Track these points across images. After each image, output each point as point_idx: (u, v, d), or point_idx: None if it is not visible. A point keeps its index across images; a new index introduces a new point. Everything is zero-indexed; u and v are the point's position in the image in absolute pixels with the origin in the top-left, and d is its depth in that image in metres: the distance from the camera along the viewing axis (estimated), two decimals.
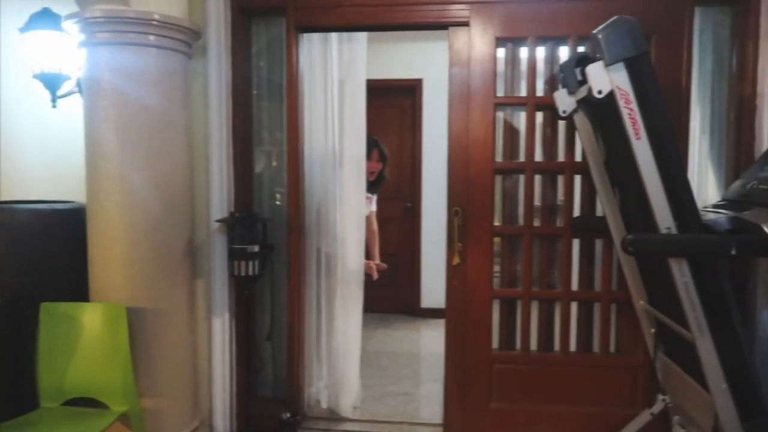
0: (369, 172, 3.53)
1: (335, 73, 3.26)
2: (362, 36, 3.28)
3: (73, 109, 2.84)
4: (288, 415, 3.02)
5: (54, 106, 2.82)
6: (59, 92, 2.81)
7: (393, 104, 5.66)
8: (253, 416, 2.99)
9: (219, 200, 2.96)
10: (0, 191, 3.09)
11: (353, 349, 3.33)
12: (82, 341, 2.41)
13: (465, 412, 3.00)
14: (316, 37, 3.19)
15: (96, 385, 2.38)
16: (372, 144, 3.60)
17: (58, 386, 2.39)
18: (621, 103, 1.97)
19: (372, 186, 3.70)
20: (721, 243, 1.91)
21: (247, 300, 2.98)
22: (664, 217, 1.98)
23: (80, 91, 2.72)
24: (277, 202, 3.23)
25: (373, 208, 3.86)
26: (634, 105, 1.96)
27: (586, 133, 2.67)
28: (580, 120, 2.66)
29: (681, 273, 1.98)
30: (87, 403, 2.44)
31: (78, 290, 2.68)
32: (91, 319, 2.43)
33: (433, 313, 5.24)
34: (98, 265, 2.58)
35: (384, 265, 3.88)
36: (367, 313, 3.55)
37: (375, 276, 3.76)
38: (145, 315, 2.52)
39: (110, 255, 2.54)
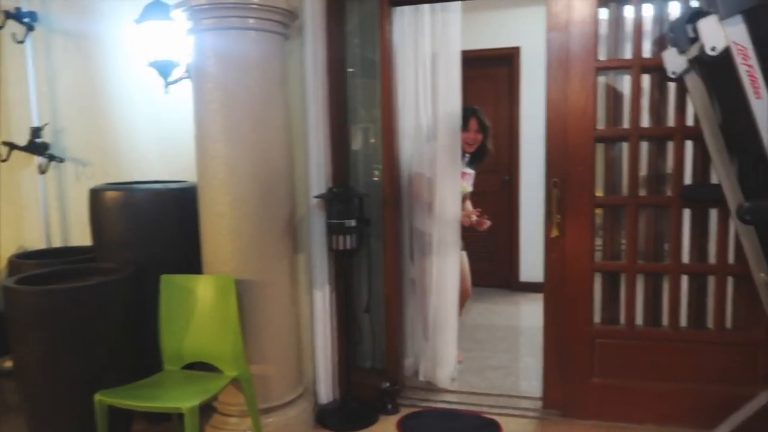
0: (467, 144, 3.32)
1: (428, 46, 3.25)
2: (456, 5, 3.21)
3: (182, 95, 3.02)
4: (387, 384, 3.11)
5: (166, 92, 3.01)
6: (170, 78, 3.00)
7: (488, 75, 5.53)
8: (354, 385, 3.10)
9: (317, 177, 3.06)
10: (120, 173, 3.37)
11: (451, 323, 3.34)
12: (197, 310, 2.60)
13: (565, 386, 2.94)
14: (407, 10, 3.18)
15: (210, 351, 2.56)
16: (470, 114, 3.33)
17: (178, 351, 2.60)
18: (738, 59, 1.82)
19: (473, 160, 3.48)
20: None
21: (345, 273, 3.07)
22: None
23: (189, 77, 2.89)
24: (375, 179, 3.29)
25: (469, 187, 3.58)
26: (753, 61, 1.80)
27: (698, 95, 2.48)
28: (692, 81, 2.48)
29: None
30: (203, 367, 2.64)
31: (191, 263, 2.88)
32: (203, 289, 2.61)
33: (531, 287, 5.12)
34: (208, 240, 2.76)
35: (485, 222, 3.49)
36: None
37: (484, 225, 3.46)
38: (251, 286, 2.67)
39: (218, 230, 2.70)
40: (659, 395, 2.81)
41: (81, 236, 3.43)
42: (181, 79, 3.01)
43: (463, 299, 3.49)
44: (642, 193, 2.79)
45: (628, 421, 2.85)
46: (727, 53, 1.85)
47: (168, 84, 3.02)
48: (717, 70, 2.31)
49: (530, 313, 4.72)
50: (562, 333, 2.92)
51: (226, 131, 2.64)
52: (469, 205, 3.63)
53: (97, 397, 2.23)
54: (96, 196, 2.95)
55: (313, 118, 3.02)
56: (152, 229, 2.87)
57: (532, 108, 5.19)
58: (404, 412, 3.08)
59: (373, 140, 3.31)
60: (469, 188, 3.55)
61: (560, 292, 2.90)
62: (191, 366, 2.62)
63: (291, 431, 2.81)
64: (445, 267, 3.33)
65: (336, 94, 3.10)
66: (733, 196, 2.48)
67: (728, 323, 2.77)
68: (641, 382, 2.84)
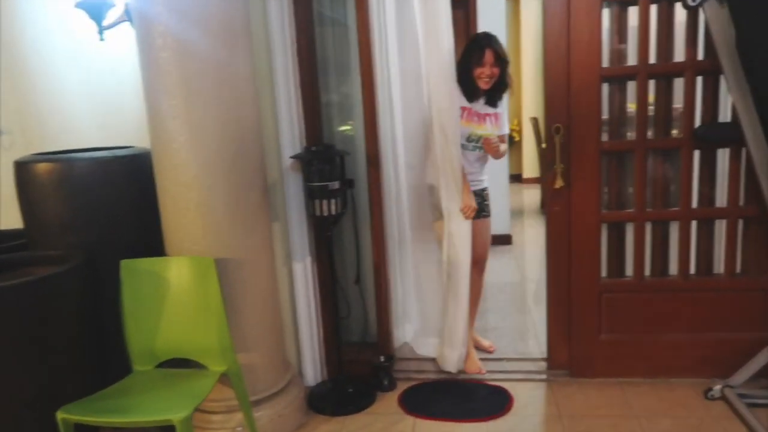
0: (481, 80, 2.69)
1: None
2: None
3: (122, 42, 2.52)
4: (382, 359, 2.85)
5: (102, 39, 2.50)
6: (105, 22, 2.48)
7: None
8: (345, 362, 2.81)
9: (289, 135, 2.67)
10: (45, 141, 2.84)
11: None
12: (170, 299, 2.20)
13: (571, 345, 2.79)
14: None
15: (190, 346, 2.19)
16: (483, 43, 2.68)
17: (150, 348, 2.21)
18: None
19: (491, 97, 2.79)
20: None
21: (329, 242, 2.74)
22: None
23: (129, 19, 2.39)
24: (350, 133, 2.94)
25: (505, 129, 2.91)
26: None
27: (719, 25, 2.28)
28: (712, 9, 2.27)
29: None
30: (179, 363, 2.26)
31: (150, 244, 2.46)
32: (177, 274, 2.21)
33: (497, 240, 4.96)
34: (171, 215, 2.34)
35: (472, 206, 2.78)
36: None
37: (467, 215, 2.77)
38: (227, 266, 2.29)
39: (184, 203, 2.28)
40: (670, 347, 2.71)
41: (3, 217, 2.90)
42: (118, 22, 2.50)
43: (479, 275, 3.02)
44: (649, 135, 2.60)
45: (639, 376, 2.74)
46: None
47: (102, 29, 2.50)
48: None
49: (502, 267, 4.56)
50: (567, 290, 2.74)
51: (184, 84, 2.20)
52: (500, 146, 2.84)
53: (61, 415, 1.83)
54: (23, 169, 2.44)
55: (281, 69, 2.61)
56: (99, 206, 2.42)
57: None
58: (402, 387, 2.83)
59: (347, 92, 2.96)
60: (499, 131, 2.85)
61: (564, 247, 2.71)
62: (166, 364, 2.24)
63: (285, 422, 2.52)
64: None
65: (306, 40, 2.69)
66: (753, 135, 2.33)
67: (738, 268, 2.66)
68: (651, 336, 2.72)
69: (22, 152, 2.60)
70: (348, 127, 3.03)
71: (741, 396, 2.47)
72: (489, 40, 2.69)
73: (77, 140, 2.80)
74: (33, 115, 2.88)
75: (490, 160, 2.92)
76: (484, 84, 2.70)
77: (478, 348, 3.09)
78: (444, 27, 2.65)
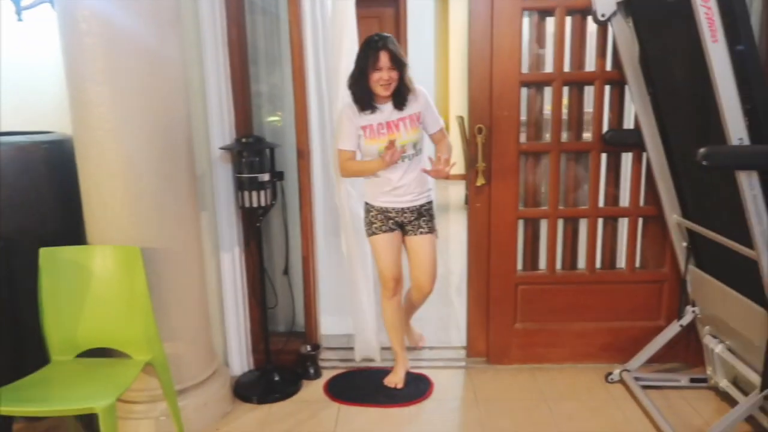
0: (381, 87, 2.42)
1: None
2: None
3: (41, 24, 2.44)
4: (309, 348, 2.91)
5: (20, 20, 2.40)
6: (24, 2, 2.39)
7: (372, 15, 5.27)
8: (272, 352, 2.85)
9: (219, 126, 2.67)
10: None
11: (367, 277, 3.12)
12: (92, 288, 2.17)
13: (489, 334, 2.95)
14: None
15: (114, 335, 2.17)
16: (377, 45, 2.40)
17: (70, 338, 2.17)
18: (698, 1, 1.78)
19: (398, 102, 2.50)
20: None
21: (258, 233, 2.77)
22: (736, 127, 1.85)
23: (50, 0, 2.32)
24: (278, 124, 2.97)
25: (439, 123, 2.63)
26: (712, 3, 1.78)
27: (624, 40, 2.49)
28: (619, 25, 2.47)
29: (750, 186, 1.88)
30: (100, 353, 2.24)
31: (70, 233, 2.41)
32: (101, 263, 2.18)
33: None
34: (95, 204, 2.30)
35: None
36: None
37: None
38: (153, 256, 2.28)
39: (110, 192, 2.25)
40: (577, 335, 2.92)
41: None
42: (39, 2, 2.42)
43: (418, 296, 2.78)
44: (564, 138, 2.79)
45: (549, 362, 2.95)
46: None
47: (21, 9, 2.41)
48: (652, 14, 2.31)
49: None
50: (486, 282, 2.90)
51: (111, 72, 2.17)
52: (442, 142, 2.67)
53: None
54: None
55: (211, 57, 2.60)
56: (17, 193, 2.33)
57: (419, 50, 5.05)
58: (328, 375, 2.91)
59: (276, 83, 2.98)
60: (433, 128, 2.61)
61: (484, 242, 2.86)
62: (86, 354, 2.21)
63: (210, 410, 2.53)
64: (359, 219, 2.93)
65: (237, 29, 2.70)
66: (653, 142, 2.56)
67: (638, 263, 2.91)
68: (560, 324, 2.92)
69: None
70: (277, 118, 3.05)
71: (636, 379, 2.71)
72: (384, 41, 2.42)
73: None
74: None
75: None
76: (382, 90, 2.43)
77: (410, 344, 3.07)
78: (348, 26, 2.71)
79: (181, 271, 2.42)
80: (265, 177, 2.63)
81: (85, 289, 2.17)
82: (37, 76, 2.73)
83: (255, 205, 2.63)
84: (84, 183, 2.30)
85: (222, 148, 2.64)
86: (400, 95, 2.49)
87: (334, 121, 2.96)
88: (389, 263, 2.65)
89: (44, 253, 2.16)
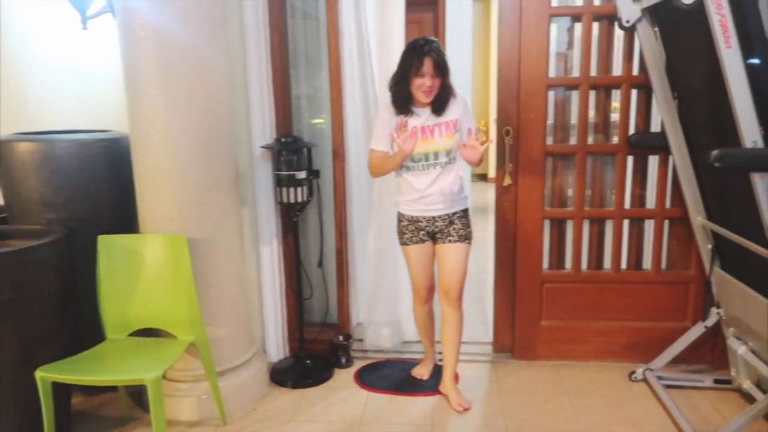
0: (422, 94, 2.37)
1: None
2: None
3: (103, 32, 2.68)
4: (341, 338, 3.06)
5: (85, 28, 2.64)
6: (89, 12, 2.63)
7: (412, 20, 5.39)
8: (307, 340, 3.02)
9: (261, 126, 2.87)
10: (28, 122, 2.97)
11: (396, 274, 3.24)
12: (144, 273, 2.38)
13: (515, 330, 3.04)
14: None
15: (161, 316, 2.38)
16: (422, 50, 2.33)
17: (123, 318, 2.38)
18: (712, 9, 1.85)
19: (437, 107, 2.43)
20: None
21: (295, 227, 2.94)
22: (750, 131, 1.91)
23: (112, 11, 2.55)
24: (323, 126, 3.13)
25: (471, 125, 2.48)
26: (726, 11, 1.85)
27: (649, 45, 2.55)
28: (644, 30, 2.54)
29: (764, 188, 1.93)
30: (149, 333, 2.45)
31: (125, 222, 2.63)
32: (151, 250, 2.39)
33: None
34: (147, 197, 2.51)
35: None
36: None
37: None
38: (198, 245, 2.47)
39: (159, 186, 2.46)
40: (601, 333, 2.98)
41: None
42: (102, 12, 2.65)
43: (444, 299, 2.63)
44: (590, 141, 2.87)
45: (573, 359, 3.02)
46: (700, 3, 1.89)
47: (86, 19, 2.66)
48: (675, 20, 2.37)
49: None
50: (512, 279, 2.99)
51: (163, 75, 2.38)
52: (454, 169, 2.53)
53: (39, 373, 2.00)
54: (5, 148, 2.57)
55: (254, 62, 2.80)
56: (78, 185, 2.56)
57: (457, 55, 5.14)
58: (359, 364, 3.06)
59: (318, 85, 3.15)
60: (449, 143, 2.46)
61: (511, 240, 2.96)
62: (136, 333, 2.42)
63: (248, 392, 2.71)
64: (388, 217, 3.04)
65: (278, 35, 2.88)
66: (677, 143, 2.62)
67: (663, 264, 2.95)
68: (585, 323, 2.99)
69: (4, 132, 2.74)
70: (321, 120, 3.21)
71: (659, 378, 2.75)
72: (429, 46, 2.34)
73: (57, 122, 2.94)
74: (16, 97, 3.01)
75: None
76: (423, 96, 2.37)
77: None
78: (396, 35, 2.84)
79: (223, 260, 2.61)
80: (302, 175, 2.80)
81: (137, 274, 2.38)
82: (98, 81, 2.98)
83: (292, 200, 2.80)
84: (137, 177, 2.52)
85: (263, 147, 2.82)
86: (440, 101, 2.43)
87: (369, 121, 3.12)
88: (421, 274, 2.65)
89: (102, 240, 2.38)
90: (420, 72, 2.34)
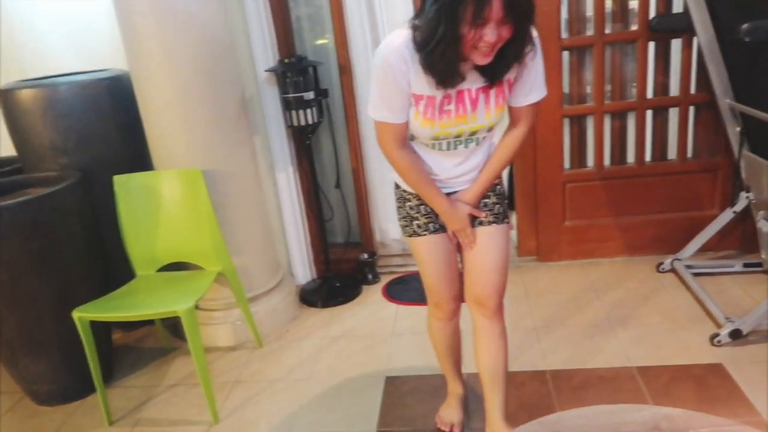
0: (480, 52, 1.32)
1: None
2: None
3: None
4: (365, 256, 3.09)
5: None
6: None
7: None
8: (332, 261, 3.06)
9: (263, 50, 2.76)
10: (26, 69, 2.91)
11: None
12: (164, 209, 2.39)
13: (538, 233, 3.03)
14: None
15: (188, 249, 2.40)
16: None
17: (150, 254, 2.42)
18: None
19: (492, 69, 1.41)
20: None
21: (308, 150, 2.90)
22: None
23: None
24: (328, 45, 3.01)
25: (527, 98, 1.57)
26: None
27: None
28: None
29: None
30: (178, 267, 2.49)
31: (138, 161, 2.61)
32: (168, 186, 2.38)
33: None
34: (156, 134, 2.48)
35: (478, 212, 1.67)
36: None
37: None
38: (213, 177, 2.46)
39: (167, 121, 2.42)
40: (627, 229, 2.95)
41: None
42: None
43: (477, 317, 1.77)
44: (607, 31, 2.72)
45: (599, 256, 3.01)
46: None
47: None
48: None
49: None
50: (533, 182, 2.94)
51: (154, 5, 2.27)
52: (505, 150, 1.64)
53: (76, 314, 2.06)
54: (8, 97, 2.53)
55: None
56: (86, 127, 2.53)
57: None
58: (386, 279, 3.10)
59: (319, 4, 3.00)
60: (497, 117, 1.52)
61: (530, 142, 2.88)
62: (164, 268, 2.46)
63: (279, 315, 2.78)
64: None
65: None
66: (701, 22, 2.46)
67: (689, 153, 2.87)
68: (610, 219, 2.95)
69: (4, 80, 2.69)
70: (325, 40, 3.08)
71: (688, 267, 2.74)
72: None
73: (53, 68, 2.88)
74: (8, 44, 2.93)
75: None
76: (480, 57, 1.34)
77: None
78: None
79: (241, 190, 2.60)
80: (310, 95, 2.72)
81: (157, 210, 2.39)
82: (91, 20, 2.88)
83: (303, 123, 2.74)
84: (144, 113, 2.48)
85: (267, 71, 2.74)
86: (504, 63, 1.40)
87: (378, 34, 2.93)
88: (440, 278, 1.75)
89: (118, 180, 2.38)
90: (482, 16, 1.26)
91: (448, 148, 1.57)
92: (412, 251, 1.77)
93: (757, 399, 1.95)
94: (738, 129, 2.55)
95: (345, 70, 2.88)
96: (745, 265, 2.72)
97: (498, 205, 1.69)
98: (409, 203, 1.70)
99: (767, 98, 2.21)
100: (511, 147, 1.61)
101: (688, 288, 2.64)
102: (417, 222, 1.69)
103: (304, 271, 3.11)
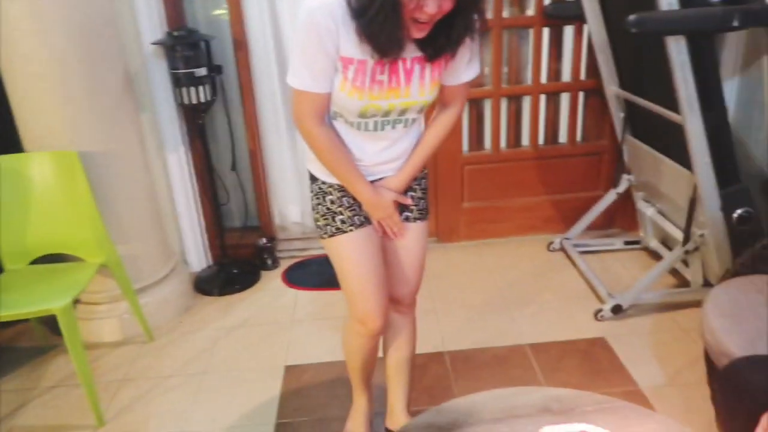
0: (416, 26, 1.23)
1: None
2: None
3: None
4: (264, 240, 2.99)
5: None
6: None
7: None
8: (229, 248, 2.93)
9: (148, 20, 2.55)
10: None
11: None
12: (35, 195, 2.16)
13: (438, 215, 3.07)
14: None
15: (63, 239, 2.19)
16: None
17: (20, 246, 2.18)
18: None
19: (433, 50, 1.32)
20: (723, 15, 1.83)
21: (202, 130, 2.74)
22: None
23: None
24: (225, 18, 2.81)
25: (462, 77, 1.47)
26: None
27: None
28: None
29: (678, 51, 1.92)
30: (55, 259, 2.27)
31: (3, 141, 2.34)
32: (39, 170, 2.15)
33: None
34: (26, 110, 2.23)
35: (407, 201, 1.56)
36: None
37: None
38: (94, 159, 2.26)
39: (38, 95, 2.18)
40: (521, 210, 3.06)
41: None
42: None
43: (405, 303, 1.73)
44: (504, 14, 2.76)
45: (495, 237, 3.10)
46: None
47: None
48: None
49: None
50: (434, 164, 2.96)
51: None
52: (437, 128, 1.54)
53: None
54: None
55: None
56: None
57: None
58: (285, 264, 3.02)
59: None
60: (431, 95, 1.41)
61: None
62: (39, 261, 2.24)
63: (171, 305, 2.63)
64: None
65: None
66: (592, 11, 2.55)
67: (579, 137, 3.00)
68: (506, 201, 3.05)
69: None
70: (223, 11, 2.89)
71: (575, 246, 2.89)
72: None
73: None
74: None
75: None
76: (417, 31, 1.24)
77: None
78: None
79: (126, 172, 2.41)
80: (202, 71, 2.55)
81: (27, 197, 2.16)
82: None
83: (194, 101, 2.57)
84: (10, 87, 2.21)
85: (153, 43, 2.54)
86: (443, 41, 1.30)
87: (276, 8, 2.77)
88: (368, 282, 1.53)
89: None
90: None
91: (375, 129, 1.42)
92: (332, 256, 1.55)
93: (635, 369, 2.10)
94: (622, 115, 2.70)
95: (241, 45, 2.73)
96: (626, 243, 2.91)
97: (423, 200, 1.61)
98: (330, 197, 1.52)
99: (650, 87, 2.34)
100: (444, 129, 1.52)
101: (575, 266, 2.78)
102: (340, 217, 1.51)
103: (198, 258, 2.96)
